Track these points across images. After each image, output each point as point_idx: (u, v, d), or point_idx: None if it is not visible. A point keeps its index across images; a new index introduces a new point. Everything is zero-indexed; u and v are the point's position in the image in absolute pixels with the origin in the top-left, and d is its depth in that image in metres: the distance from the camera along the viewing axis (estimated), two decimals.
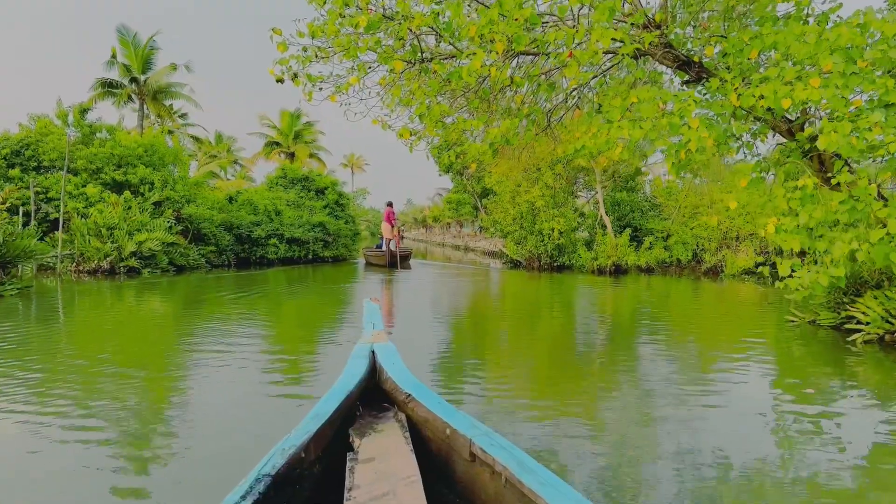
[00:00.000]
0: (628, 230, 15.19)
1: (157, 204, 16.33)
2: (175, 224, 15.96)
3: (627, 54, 5.07)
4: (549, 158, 14.61)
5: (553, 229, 15.14)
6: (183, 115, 27.87)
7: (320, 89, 5.99)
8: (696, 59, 5.87)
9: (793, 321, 6.88)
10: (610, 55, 6.21)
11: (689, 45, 6.19)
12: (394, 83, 5.34)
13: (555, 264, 16.08)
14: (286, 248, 18.21)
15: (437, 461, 2.10)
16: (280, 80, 5.74)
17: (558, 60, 4.92)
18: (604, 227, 16.77)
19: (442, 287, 12.76)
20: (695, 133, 4.38)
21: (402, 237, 18.98)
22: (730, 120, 5.07)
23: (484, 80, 5.21)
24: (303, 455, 1.77)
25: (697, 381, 4.52)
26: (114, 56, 23.26)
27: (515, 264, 17.72)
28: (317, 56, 5.47)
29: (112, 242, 14.43)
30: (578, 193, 18.30)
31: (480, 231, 37.71)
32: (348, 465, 1.93)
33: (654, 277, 14.28)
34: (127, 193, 15.64)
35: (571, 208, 16.19)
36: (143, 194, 16.16)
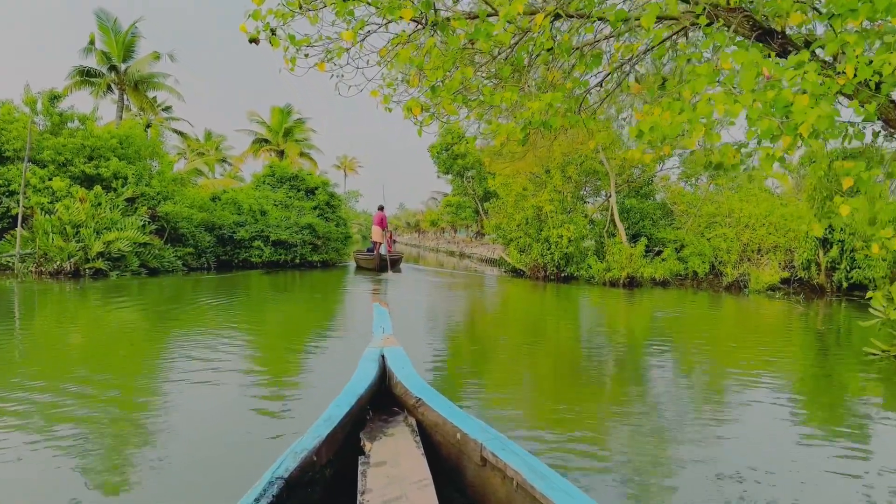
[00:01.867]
0: (644, 240, 14.03)
1: (131, 201, 14.99)
2: (149, 223, 14.62)
3: (702, 13, 3.89)
4: (559, 159, 13.46)
5: (562, 237, 13.95)
6: (167, 108, 26.41)
7: (306, 55, 4.75)
8: (778, 28, 4.70)
9: (874, 354, 5.72)
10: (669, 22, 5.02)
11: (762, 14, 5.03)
12: (399, 46, 4.12)
13: (561, 274, 14.90)
14: (271, 251, 16.87)
15: (447, 465, 2.08)
16: (254, 40, 4.48)
17: (617, 17, 3.74)
18: (613, 235, 15.65)
19: (438, 298, 11.54)
20: (817, 111, 3.18)
21: (394, 241, 19.15)
22: (835, 101, 3.91)
23: (519, 42, 4.01)
24: (314, 458, 1.75)
25: (755, 432, 3.47)
26: (92, 42, 21.77)
27: (517, 273, 16.56)
28: (301, 7, 4.22)
29: (77, 241, 13.09)
30: (587, 199, 17.15)
31: (477, 236, 36.54)
32: (360, 468, 1.92)
33: (671, 291, 13.15)
34: (98, 188, 14.29)
35: (581, 214, 15.03)
36: (115, 190, 14.82)
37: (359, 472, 1.89)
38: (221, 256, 16.68)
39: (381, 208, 17.85)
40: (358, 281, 14.55)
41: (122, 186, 14.89)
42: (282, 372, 4.77)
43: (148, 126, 19.81)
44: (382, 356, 2.67)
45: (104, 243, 13.10)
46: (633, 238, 15.85)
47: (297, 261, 17.43)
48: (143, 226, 14.27)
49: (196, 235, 15.86)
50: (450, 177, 23.08)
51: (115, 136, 15.47)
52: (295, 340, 6.51)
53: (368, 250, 18.04)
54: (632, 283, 13.62)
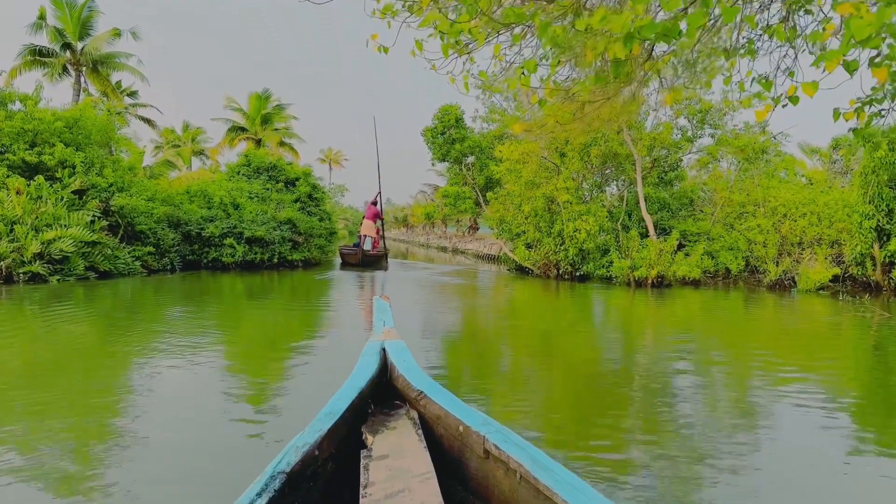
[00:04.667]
0: (676, 233, 12.27)
1: (80, 193, 12.94)
2: (100, 218, 12.58)
3: None
4: (582, 137, 11.61)
5: (578, 230, 12.17)
6: (132, 93, 24.04)
7: None
8: None
9: None
10: None
11: None
12: None
13: (576, 273, 13.13)
14: (245, 249, 14.82)
15: (450, 458, 2.06)
16: None
17: None
18: (628, 228, 13.92)
19: (433, 303, 9.72)
20: None
21: (383, 237, 18.34)
22: None
23: None
24: (316, 453, 1.74)
25: None
26: (42, 17, 19.39)
27: (523, 271, 14.79)
28: None
29: (11, 241, 11.05)
30: (604, 188, 15.35)
31: (470, 231, 34.73)
32: (362, 462, 1.90)
33: (704, 291, 11.45)
34: (40, 178, 12.26)
35: (600, 205, 13.25)
36: (60, 180, 12.76)
37: (361, 466, 1.87)
38: (188, 256, 14.66)
39: (374, 203, 17.61)
40: (343, 284, 12.72)
41: (70, 177, 12.84)
42: (261, 401, 4.03)
43: (109, 111, 17.62)
44: (383, 349, 2.59)
45: (42, 243, 11.08)
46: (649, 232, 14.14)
47: (275, 260, 15.42)
48: (93, 222, 12.25)
49: (157, 232, 13.85)
50: (446, 165, 21.04)
51: (60, 118, 13.39)
52: (273, 359, 5.39)
53: (355, 245, 17.71)
54: (660, 283, 11.87)
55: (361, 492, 1.68)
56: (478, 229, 35.23)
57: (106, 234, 12.77)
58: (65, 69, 20.94)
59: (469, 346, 6.39)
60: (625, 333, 7.28)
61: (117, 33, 20.50)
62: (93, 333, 6.49)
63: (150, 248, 13.48)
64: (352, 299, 10.21)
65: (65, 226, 11.68)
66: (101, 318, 7.50)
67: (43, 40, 20.08)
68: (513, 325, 7.89)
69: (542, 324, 7.93)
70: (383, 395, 2.47)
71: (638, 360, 5.55)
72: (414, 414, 2.27)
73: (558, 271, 13.26)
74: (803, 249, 12.42)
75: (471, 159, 19.81)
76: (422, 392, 2.21)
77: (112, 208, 13.02)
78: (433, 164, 19.88)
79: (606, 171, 14.83)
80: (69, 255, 11.38)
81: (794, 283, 11.76)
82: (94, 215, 12.38)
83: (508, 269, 16.19)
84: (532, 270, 14.18)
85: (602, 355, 5.76)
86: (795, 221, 12.56)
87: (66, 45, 20.45)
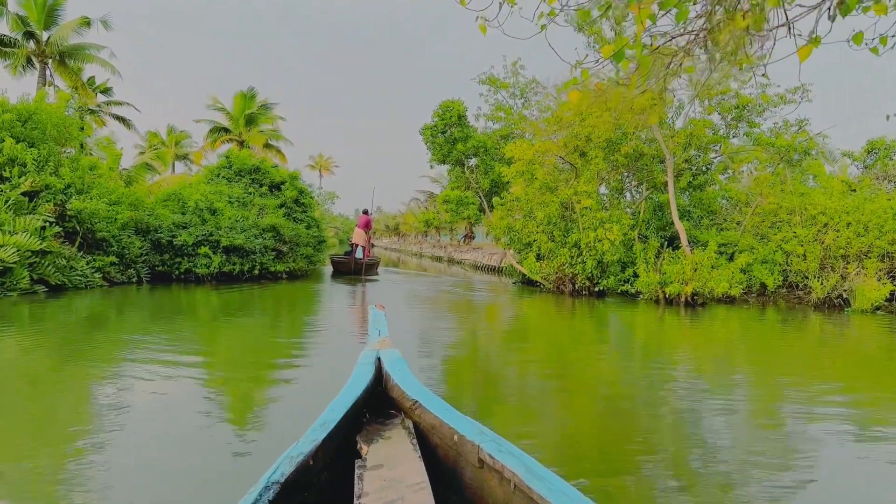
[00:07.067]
0: (713, 244, 10.85)
1: (32, 195, 11.34)
2: (54, 224, 10.98)
3: None
4: (608, 134, 10.24)
5: (601, 240, 10.75)
6: (106, 90, 22.28)
7: None
8: None
9: None
10: None
11: None
12: None
13: (595, 288, 11.69)
14: (222, 259, 13.20)
15: (444, 468, 2.01)
16: None
17: None
18: (645, 238, 12.54)
19: (437, 323, 8.26)
20: None
21: (372, 245, 18.33)
22: None
23: None
24: (311, 462, 1.69)
25: None
26: (2, 3, 17.54)
27: (532, 285, 13.36)
28: None
29: None
30: (625, 192, 13.95)
31: (465, 239, 33.31)
32: (357, 472, 1.85)
33: (742, 310, 10.08)
34: None
35: (624, 210, 11.86)
36: (10, 180, 11.16)
37: (355, 476, 1.82)
38: (157, 267, 13.04)
39: (365, 212, 17.23)
40: (331, 299, 11.23)
41: (20, 176, 11.23)
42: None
43: (78, 108, 15.97)
44: (378, 359, 2.53)
45: None
46: (670, 243, 12.78)
47: (256, 271, 13.82)
48: (44, 228, 10.65)
49: (122, 240, 12.26)
50: (446, 167, 19.48)
51: (10, 110, 11.78)
52: (253, 398, 4.22)
53: (346, 253, 17.35)
54: (694, 301, 10.44)
55: (355, 502, 1.63)
56: (474, 238, 33.84)
57: (62, 242, 11.19)
58: (29, 61, 19.24)
59: (478, 380, 4.92)
60: (672, 366, 5.85)
61: (86, 22, 18.77)
62: (41, 359, 5.27)
63: (113, 258, 11.86)
64: (343, 325, 8.70)
65: (9, 232, 10.10)
66: (49, 342, 6.06)
67: (4, 28, 18.40)
68: (526, 355, 6.42)
69: (563, 352, 6.48)
70: (378, 404, 2.40)
71: (694, 408, 4.10)
72: (409, 423, 2.21)
73: (574, 286, 11.82)
74: (848, 263, 11.09)
75: (474, 161, 18.29)
76: (417, 401, 2.16)
77: (68, 213, 11.41)
78: (431, 167, 18.38)
79: (626, 175, 13.47)
80: (11, 266, 9.77)
81: (847, 301, 10.40)
82: (46, 220, 10.78)
83: (514, 282, 14.75)
84: (543, 284, 12.75)
85: (656, 411, 4.30)
86: (839, 231, 11.24)
87: (30, 35, 18.73)
